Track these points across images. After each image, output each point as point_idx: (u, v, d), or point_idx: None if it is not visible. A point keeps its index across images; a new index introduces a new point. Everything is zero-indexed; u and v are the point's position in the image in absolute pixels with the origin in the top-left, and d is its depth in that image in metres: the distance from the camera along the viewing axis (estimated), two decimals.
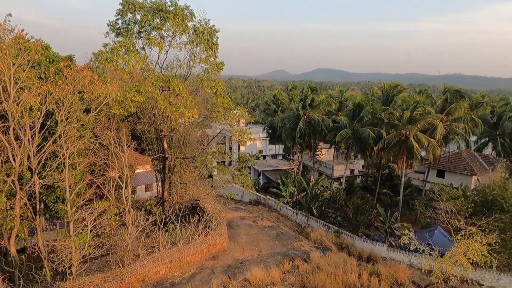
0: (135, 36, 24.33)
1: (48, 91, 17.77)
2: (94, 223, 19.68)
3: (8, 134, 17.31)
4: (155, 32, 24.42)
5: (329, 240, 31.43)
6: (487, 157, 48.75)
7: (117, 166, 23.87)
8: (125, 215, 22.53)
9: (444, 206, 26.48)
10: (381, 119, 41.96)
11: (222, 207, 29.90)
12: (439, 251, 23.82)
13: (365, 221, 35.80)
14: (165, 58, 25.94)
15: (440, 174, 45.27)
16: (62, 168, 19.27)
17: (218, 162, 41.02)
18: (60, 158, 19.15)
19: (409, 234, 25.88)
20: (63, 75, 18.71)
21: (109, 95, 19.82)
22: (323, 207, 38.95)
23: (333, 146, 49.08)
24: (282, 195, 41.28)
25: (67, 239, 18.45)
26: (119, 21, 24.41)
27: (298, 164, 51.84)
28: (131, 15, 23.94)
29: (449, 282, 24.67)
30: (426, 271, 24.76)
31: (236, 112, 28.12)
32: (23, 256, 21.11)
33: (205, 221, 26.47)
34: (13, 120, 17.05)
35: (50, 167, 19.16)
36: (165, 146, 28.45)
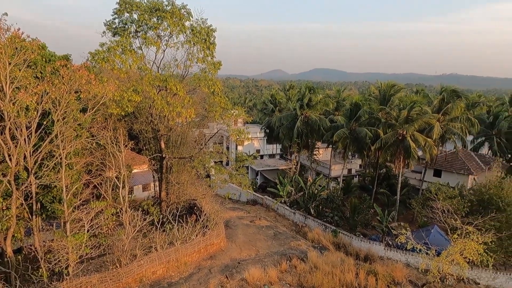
0: (132, 36, 24.22)
1: (45, 91, 17.68)
2: (91, 223, 19.59)
3: (4, 134, 17.21)
4: (152, 32, 24.33)
5: (327, 239, 31.49)
6: (484, 157, 49.00)
7: (114, 166, 23.78)
8: (122, 215, 22.44)
9: (440, 205, 26.59)
10: (378, 118, 42.07)
11: (220, 207, 29.90)
12: (435, 250, 23.93)
13: (363, 221, 35.90)
14: (162, 58, 25.88)
15: (437, 173, 45.47)
16: (59, 168, 19.19)
17: (215, 162, 41.04)
18: (56, 158, 19.06)
19: (406, 234, 25.93)
20: (60, 74, 18.62)
21: (106, 95, 19.74)
22: (320, 207, 39.01)
23: (330, 146, 49.20)
24: (280, 194, 41.32)
25: (63, 239, 18.37)
26: (116, 21, 24.30)
27: (296, 164, 51.89)
28: (128, 14, 23.85)
29: (446, 281, 24.79)
30: (423, 270, 24.86)
31: (234, 112, 28.10)
32: (20, 257, 20.98)
33: (202, 221, 26.43)
34: (9, 120, 16.96)
35: (46, 167, 19.07)
36: (163, 145, 28.39)
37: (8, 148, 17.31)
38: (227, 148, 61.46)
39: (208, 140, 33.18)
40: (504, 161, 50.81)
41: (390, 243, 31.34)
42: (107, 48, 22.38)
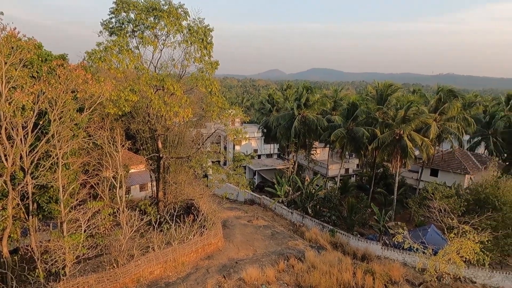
0: (129, 35, 24.17)
1: (41, 90, 17.60)
2: (88, 223, 19.54)
3: (0, 133, 17.11)
4: (149, 31, 24.29)
5: (324, 239, 31.53)
6: (480, 156, 49.27)
7: (111, 165, 23.73)
8: (119, 215, 22.40)
9: (437, 204, 26.70)
10: (375, 118, 42.17)
11: (217, 207, 29.87)
12: (432, 250, 24.04)
13: (360, 220, 35.98)
14: (159, 57, 25.86)
15: (434, 173, 45.65)
16: (55, 168, 19.11)
17: (213, 162, 40.96)
18: (53, 158, 18.97)
19: (403, 233, 26.07)
20: (56, 74, 18.54)
21: (103, 94, 19.69)
22: (318, 206, 39.06)
23: (327, 146, 49.27)
24: (277, 194, 41.33)
25: (60, 240, 18.30)
26: (113, 20, 24.24)
27: (293, 164, 51.94)
28: (124, 14, 23.78)
29: (443, 280, 24.90)
30: (420, 269, 24.99)
31: (231, 112, 28.10)
32: (16, 257, 20.90)
33: (200, 220, 26.41)
34: (5, 120, 16.87)
35: (43, 167, 18.98)
36: (160, 145, 28.34)
37: (4, 148, 17.22)
38: (225, 147, 61.43)
39: (206, 140, 33.15)
40: (500, 161, 51.07)
41: (387, 242, 31.45)
42: (104, 47, 22.33)
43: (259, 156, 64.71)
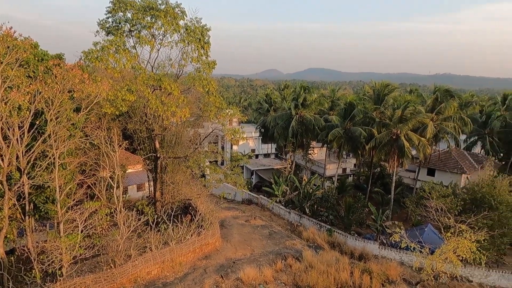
0: (126, 35, 24.09)
1: (37, 90, 17.53)
2: (85, 224, 19.46)
3: None
4: (146, 31, 24.22)
5: (322, 238, 31.58)
6: (476, 156, 49.52)
7: (108, 165, 23.65)
8: (116, 215, 22.32)
9: (434, 204, 26.82)
10: (373, 118, 42.29)
11: (215, 207, 29.85)
12: (429, 249, 24.14)
13: (357, 220, 36.06)
14: (157, 57, 25.78)
15: (431, 172, 45.83)
16: (52, 168, 19.03)
17: (210, 162, 40.89)
18: (50, 158, 18.90)
19: (400, 232, 26.13)
20: (53, 73, 18.46)
21: (100, 94, 19.61)
22: (315, 206, 39.12)
23: (325, 145, 49.33)
24: (275, 194, 41.36)
25: (57, 240, 18.22)
26: (110, 20, 24.14)
27: (291, 163, 51.98)
28: (121, 13, 23.70)
29: (439, 279, 25.01)
30: (417, 269, 25.09)
31: (229, 111, 28.08)
32: (12, 258, 20.79)
33: (197, 220, 26.38)
34: (1, 120, 16.76)
35: (39, 167, 18.91)
36: (157, 145, 28.27)
37: (0, 148, 17.12)
38: (222, 147, 61.40)
39: (203, 139, 33.13)
40: (496, 160, 51.42)
41: (385, 241, 31.54)
42: (101, 47, 22.23)
43: (256, 156, 64.72)
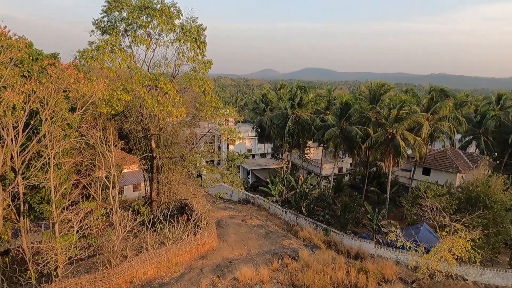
0: (121, 34, 23.96)
1: (32, 90, 17.39)
2: (81, 224, 19.35)
3: None
4: (142, 30, 24.11)
5: (318, 238, 31.66)
6: (471, 155, 49.87)
7: (104, 165, 23.53)
8: (112, 215, 22.23)
9: (429, 203, 26.98)
10: (369, 118, 42.46)
11: (211, 207, 29.81)
12: (425, 248, 24.30)
13: (353, 219, 36.20)
14: (152, 57, 25.67)
15: (426, 171, 46.10)
16: (47, 168, 18.90)
17: (206, 161, 40.85)
18: (44, 158, 18.76)
19: (396, 231, 26.32)
20: (47, 73, 18.33)
21: (95, 94, 19.50)
22: (311, 205, 39.20)
23: (321, 145, 49.50)
24: (271, 193, 41.39)
25: (52, 241, 18.10)
26: (105, 19, 24.00)
27: (287, 163, 52.04)
28: (117, 13, 23.57)
29: (435, 277, 25.18)
30: (413, 267, 25.25)
31: (225, 111, 28.03)
32: (7, 259, 20.64)
33: (194, 220, 26.32)
34: None
35: (34, 167, 18.76)
36: (153, 145, 28.18)
37: None
38: (219, 147, 61.35)
39: (199, 139, 33.05)
40: (491, 159, 51.83)
41: (381, 241, 31.68)
42: (96, 46, 22.10)
43: (253, 156, 64.71)
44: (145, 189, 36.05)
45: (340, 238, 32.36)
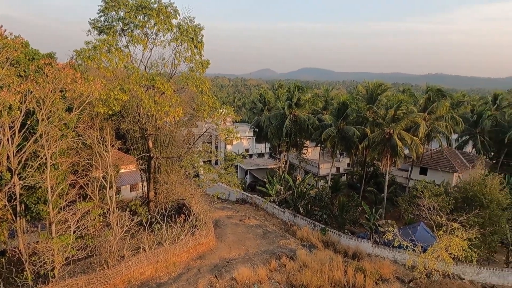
0: (118, 34, 23.89)
1: (28, 90, 17.30)
2: (78, 224, 19.28)
3: None
4: (139, 30, 24.05)
5: (315, 237, 31.70)
6: (468, 155, 50.13)
7: (101, 166, 23.45)
8: (109, 215, 22.15)
9: (426, 202, 27.08)
10: (366, 117, 42.57)
11: (209, 207, 29.77)
12: (422, 247, 24.38)
13: (351, 219, 36.27)
14: (149, 56, 25.61)
15: (423, 171, 46.28)
16: (44, 169, 18.80)
17: (204, 161, 40.81)
18: (41, 158, 18.67)
19: (393, 231, 26.36)
20: (44, 73, 18.25)
21: (92, 94, 19.44)
22: (309, 205, 39.25)
23: (319, 145, 49.54)
24: (269, 193, 41.40)
25: (49, 241, 18.02)
26: (102, 19, 23.92)
27: (285, 163, 52.06)
28: (114, 12, 23.50)
29: (432, 276, 25.28)
30: (410, 267, 25.31)
31: (222, 111, 28.02)
32: (3, 259, 20.55)
33: (191, 220, 26.29)
34: None
35: (31, 168, 18.67)
36: (150, 145, 28.11)
37: None
38: (216, 147, 61.28)
39: (197, 139, 33.00)
40: (487, 159, 52.08)
41: (378, 240, 31.76)
42: (93, 46, 22.02)
43: (250, 156, 64.70)
44: (142, 189, 35.94)
45: (338, 237, 32.42)
